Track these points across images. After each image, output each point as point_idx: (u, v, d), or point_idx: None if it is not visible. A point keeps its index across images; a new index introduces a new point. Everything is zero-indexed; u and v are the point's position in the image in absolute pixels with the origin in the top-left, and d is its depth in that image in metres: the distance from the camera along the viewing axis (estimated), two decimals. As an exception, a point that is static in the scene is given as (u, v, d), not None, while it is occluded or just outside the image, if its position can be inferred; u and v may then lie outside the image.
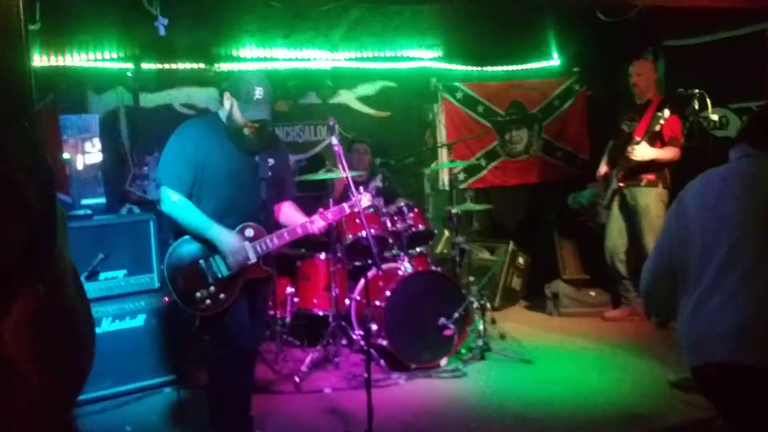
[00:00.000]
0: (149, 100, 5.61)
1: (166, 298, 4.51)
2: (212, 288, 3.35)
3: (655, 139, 5.35)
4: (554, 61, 7.11)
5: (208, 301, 3.35)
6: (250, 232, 3.45)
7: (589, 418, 3.85)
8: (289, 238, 3.53)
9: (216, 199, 3.44)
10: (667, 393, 4.09)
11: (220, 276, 3.37)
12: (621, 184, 5.55)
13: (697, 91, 5.06)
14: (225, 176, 3.46)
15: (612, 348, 5.02)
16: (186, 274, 3.37)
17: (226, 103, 3.45)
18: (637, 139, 5.31)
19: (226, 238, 3.34)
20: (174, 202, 3.37)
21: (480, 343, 4.94)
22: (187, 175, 3.39)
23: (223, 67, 5.83)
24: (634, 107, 5.61)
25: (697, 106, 5.08)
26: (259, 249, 3.43)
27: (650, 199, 5.45)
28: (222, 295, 3.36)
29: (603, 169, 5.81)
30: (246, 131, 3.41)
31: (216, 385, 3.53)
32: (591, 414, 3.90)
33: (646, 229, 5.45)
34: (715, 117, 5.10)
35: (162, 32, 4.97)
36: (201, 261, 3.37)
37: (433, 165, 6.63)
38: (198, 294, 3.34)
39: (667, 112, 5.11)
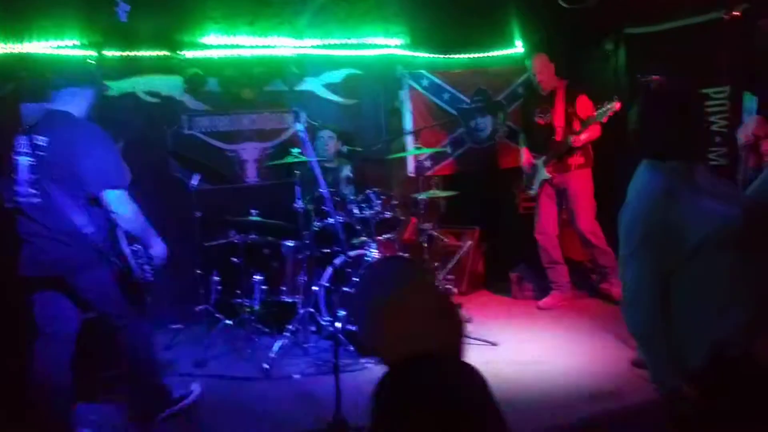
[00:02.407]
0: (112, 88, 5.53)
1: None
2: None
3: (573, 121, 5.56)
4: (518, 48, 7.16)
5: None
6: None
7: (553, 398, 3.94)
8: None
9: None
10: (630, 372, 4.20)
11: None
12: (551, 174, 5.68)
13: (657, 77, 5.16)
14: None
15: (575, 329, 5.13)
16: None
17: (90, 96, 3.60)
18: (575, 129, 5.51)
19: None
20: (133, 205, 3.50)
21: (447, 327, 5.00)
22: None
23: (188, 54, 5.76)
24: (540, 99, 5.78)
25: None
26: None
27: (582, 181, 5.64)
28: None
29: (527, 159, 5.93)
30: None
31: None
32: (555, 394, 3.99)
33: (582, 212, 5.63)
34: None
35: (123, 18, 4.91)
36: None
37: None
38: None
39: (615, 104, 5.21)
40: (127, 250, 3.50)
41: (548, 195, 5.78)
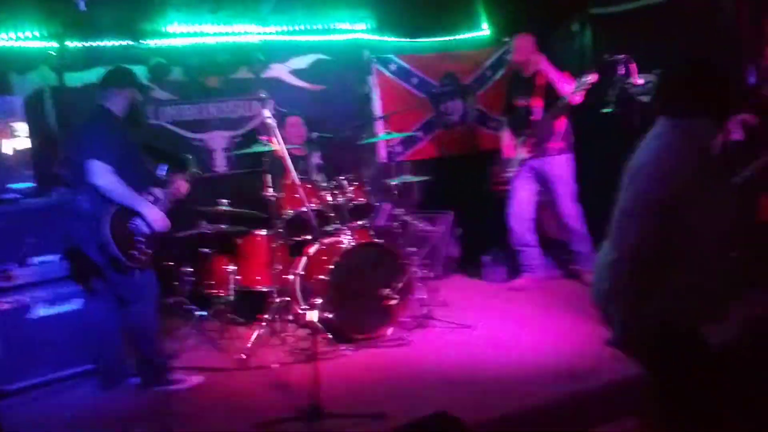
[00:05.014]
0: (76, 79, 5.41)
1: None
2: (142, 245, 3.94)
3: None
4: (485, 31, 7.16)
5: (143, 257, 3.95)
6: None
7: (528, 378, 3.96)
8: None
9: None
10: (604, 351, 4.22)
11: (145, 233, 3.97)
12: (529, 155, 5.64)
13: (622, 56, 5.16)
14: None
15: (549, 310, 5.16)
16: (124, 234, 3.88)
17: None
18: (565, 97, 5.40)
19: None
20: (112, 177, 3.84)
21: (423, 311, 5.02)
22: None
23: (151, 43, 5.65)
24: (521, 81, 5.73)
25: (623, 72, 5.20)
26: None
27: (562, 166, 5.62)
28: (149, 250, 3.99)
29: (509, 144, 5.88)
30: None
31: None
32: (529, 374, 4.01)
33: (563, 196, 5.63)
34: (640, 82, 5.25)
35: (82, 7, 4.80)
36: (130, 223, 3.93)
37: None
38: (133, 252, 3.89)
39: (592, 76, 5.17)
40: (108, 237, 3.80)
41: (525, 177, 5.74)
